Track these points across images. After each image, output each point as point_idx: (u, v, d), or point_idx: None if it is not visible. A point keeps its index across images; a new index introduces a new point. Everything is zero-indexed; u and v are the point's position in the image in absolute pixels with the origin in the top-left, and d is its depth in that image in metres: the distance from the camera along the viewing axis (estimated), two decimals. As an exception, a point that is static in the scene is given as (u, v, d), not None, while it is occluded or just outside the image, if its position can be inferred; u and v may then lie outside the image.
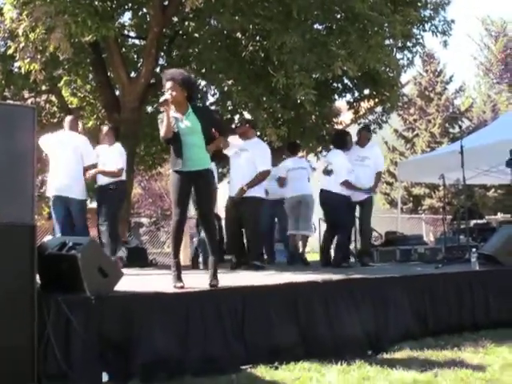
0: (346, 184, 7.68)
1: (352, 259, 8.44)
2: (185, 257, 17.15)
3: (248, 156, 7.22)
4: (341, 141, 8.06)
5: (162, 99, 4.93)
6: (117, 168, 7.46)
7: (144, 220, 23.79)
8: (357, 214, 8.26)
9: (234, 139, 7.64)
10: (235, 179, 7.36)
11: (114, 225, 7.60)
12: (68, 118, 7.58)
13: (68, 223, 7.21)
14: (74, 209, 7.25)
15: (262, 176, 7.20)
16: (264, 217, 7.91)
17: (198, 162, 5.04)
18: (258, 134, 8.61)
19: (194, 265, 8.23)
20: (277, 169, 8.58)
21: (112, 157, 7.51)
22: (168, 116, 4.89)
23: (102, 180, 7.56)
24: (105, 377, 3.82)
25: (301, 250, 8.80)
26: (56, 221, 7.23)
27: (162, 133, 4.97)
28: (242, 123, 7.79)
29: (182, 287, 4.70)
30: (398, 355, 4.67)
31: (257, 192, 7.19)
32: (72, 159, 7.18)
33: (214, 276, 4.91)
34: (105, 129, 7.88)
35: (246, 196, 7.12)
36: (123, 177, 7.66)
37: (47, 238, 4.91)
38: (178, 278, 4.87)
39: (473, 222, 10.39)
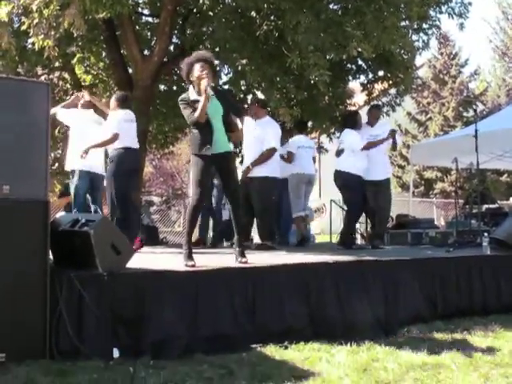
0: (367, 146, 7.71)
1: (360, 241, 8.46)
2: (195, 236, 17.27)
3: (258, 134, 7.21)
4: (351, 121, 8.02)
5: (206, 84, 4.89)
6: (111, 133, 6.88)
7: (155, 199, 23.89)
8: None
9: (246, 119, 7.62)
10: (246, 158, 7.36)
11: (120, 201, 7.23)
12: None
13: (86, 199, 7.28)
14: (100, 185, 7.32)
15: (268, 153, 7.18)
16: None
17: (221, 145, 5.12)
18: (271, 114, 8.57)
19: (200, 242, 8.23)
20: (285, 145, 8.51)
21: (109, 121, 7.05)
22: (206, 100, 4.89)
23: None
24: (116, 353, 3.85)
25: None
26: (77, 195, 7.19)
27: (196, 116, 4.96)
28: (252, 103, 7.77)
29: (193, 265, 4.73)
30: (408, 337, 4.68)
31: (265, 172, 7.18)
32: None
33: (243, 254, 5.06)
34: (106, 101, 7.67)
35: (254, 176, 7.12)
36: (130, 144, 6.99)
37: (59, 215, 4.92)
38: (190, 257, 4.89)
39: (485, 207, 10.34)
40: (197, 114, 4.96)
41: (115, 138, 6.85)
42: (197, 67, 5.05)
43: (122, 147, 6.88)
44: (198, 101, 5.02)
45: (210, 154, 5.02)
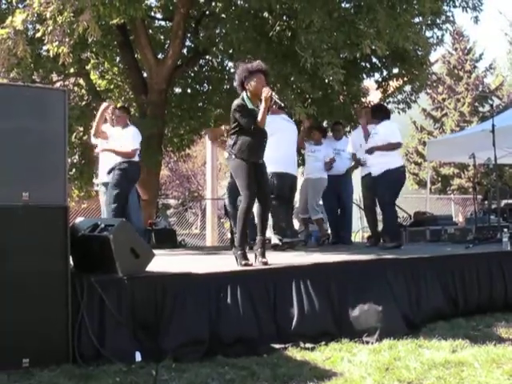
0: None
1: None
2: (213, 238, 17.29)
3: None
4: (384, 112, 7.89)
5: (271, 93, 5.18)
6: (131, 149, 7.47)
7: (171, 201, 23.95)
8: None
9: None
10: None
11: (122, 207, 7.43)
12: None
13: None
14: None
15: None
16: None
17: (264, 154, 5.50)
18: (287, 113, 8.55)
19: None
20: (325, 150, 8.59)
21: (127, 137, 7.53)
22: (267, 107, 5.21)
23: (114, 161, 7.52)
24: (138, 356, 3.88)
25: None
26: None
27: (259, 121, 5.23)
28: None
29: (249, 264, 5.02)
30: (430, 336, 4.64)
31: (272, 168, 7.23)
32: None
33: (263, 254, 5.20)
34: (117, 112, 7.82)
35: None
36: (136, 158, 7.59)
37: (78, 220, 4.96)
38: (245, 257, 5.12)
39: (504, 202, 10.26)
40: (259, 119, 5.22)
41: (135, 153, 7.49)
42: (257, 77, 5.28)
43: (135, 161, 7.54)
44: (254, 109, 5.28)
45: (260, 162, 5.39)
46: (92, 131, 7.81)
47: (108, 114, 7.72)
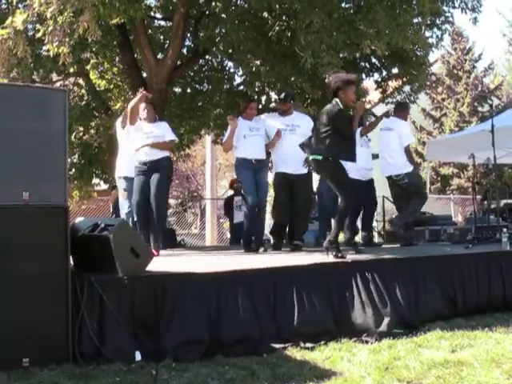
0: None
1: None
2: (212, 238, 17.30)
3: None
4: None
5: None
6: (170, 139, 7.16)
7: (171, 201, 23.92)
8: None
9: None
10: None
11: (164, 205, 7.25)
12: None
13: None
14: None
15: None
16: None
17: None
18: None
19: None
20: None
21: (165, 129, 7.20)
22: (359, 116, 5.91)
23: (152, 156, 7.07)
24: (138, 356, 3.88)
25: None
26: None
27: (353, 126, 5.83)
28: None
29: (344, 257, 5.41)
30: (429, 336, 4.64)
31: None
32: None
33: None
34: (143, 106, 7.24)
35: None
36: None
37: (78, 220, 4.96)
38: (339, 250, 5.53)
39: (503, 202, 10.26)
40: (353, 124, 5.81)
41: (172, 144, 7.46)
42: (352, 89, 5.78)
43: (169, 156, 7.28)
44: (350, 115, 5.95)
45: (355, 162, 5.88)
46: (125, 120, 7.30)
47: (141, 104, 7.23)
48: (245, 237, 7.22)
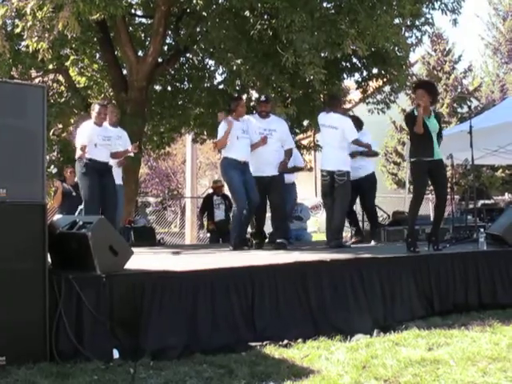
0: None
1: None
2: (192, 236, 17.25)
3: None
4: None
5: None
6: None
7: (151, 199, 23.85)
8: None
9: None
10: None
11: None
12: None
13: None
14: None
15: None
16: None
17: (438, 153, 6.35)
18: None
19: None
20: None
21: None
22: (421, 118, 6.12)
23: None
24: (116, 354, 3.87)
25: None
26: None
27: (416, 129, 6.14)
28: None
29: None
30: (406, 334, 4.68)
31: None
32: None
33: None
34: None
35: None
36: None
37: (56, 217, 4.93)
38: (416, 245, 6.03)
39: (480, 203, 10.36)
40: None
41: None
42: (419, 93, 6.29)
43: None
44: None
45: (428, 160, 6.18)
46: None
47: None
48: (235, 235, 7.11)
